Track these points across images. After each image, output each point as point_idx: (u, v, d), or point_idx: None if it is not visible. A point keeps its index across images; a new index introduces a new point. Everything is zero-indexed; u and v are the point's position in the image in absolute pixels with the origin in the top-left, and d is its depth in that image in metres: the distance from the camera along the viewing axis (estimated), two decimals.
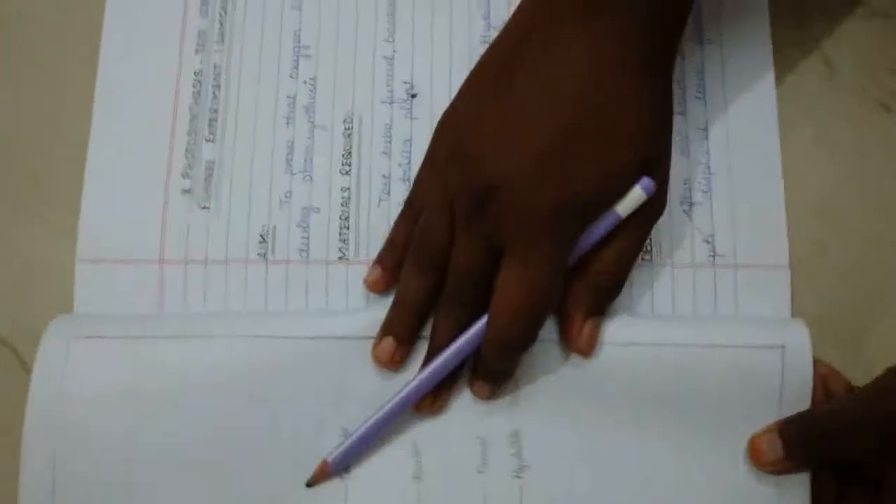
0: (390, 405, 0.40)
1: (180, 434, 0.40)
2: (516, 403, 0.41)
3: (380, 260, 0.43)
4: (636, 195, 0.39)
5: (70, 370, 0.40)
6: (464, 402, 0.41)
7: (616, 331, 0.41)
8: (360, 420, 0.40)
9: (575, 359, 0.41)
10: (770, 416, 0.40)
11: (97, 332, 0.41)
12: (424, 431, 0.41)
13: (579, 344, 0.40)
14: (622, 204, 0.39)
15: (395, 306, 0.41)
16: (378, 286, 0.43)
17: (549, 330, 0.41)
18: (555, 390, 0.41)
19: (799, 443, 0.39)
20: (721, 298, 0.43)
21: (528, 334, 0.39)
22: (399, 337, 0.40)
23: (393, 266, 0.42)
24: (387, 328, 0.41)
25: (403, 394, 0.40)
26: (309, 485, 0.40)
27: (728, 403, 0.40)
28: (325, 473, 0.40)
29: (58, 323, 0.41)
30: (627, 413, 0.41)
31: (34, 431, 0.39)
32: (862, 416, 0.38)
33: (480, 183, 0.39)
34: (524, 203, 0.38)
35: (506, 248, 0.39)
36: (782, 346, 0.40)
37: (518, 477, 0.41)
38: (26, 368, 0.42)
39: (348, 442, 0.40)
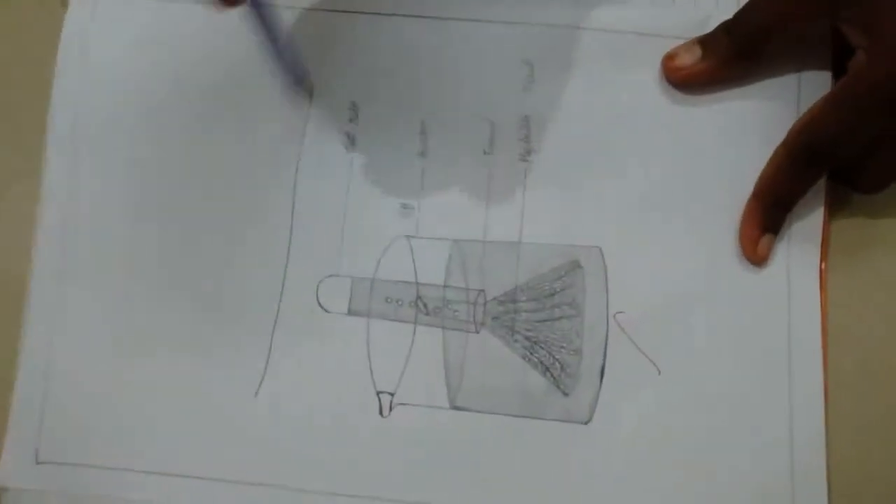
0: None
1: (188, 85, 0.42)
2: (529, 89, 0.40)
3: None
4: None
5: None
6: (474, 84, 0.41)
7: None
8: None
9: (592, 46, 0.41)
10: None
11: None
12: (433, 110, 0.41)
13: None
14: None
15: None
16: None
17: (564, 15, 0.41)
18: (569, 78, 0.40)
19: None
20: None
21: None
22: None
23: None
24: None
25: None
26: None
27: None
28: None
29: None
30: (642, 105, 0.40)
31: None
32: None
33: None
34: None
35: None
36: None
37: (524, 160, 0.40)
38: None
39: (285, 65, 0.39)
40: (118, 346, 0.40)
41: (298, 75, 0.40)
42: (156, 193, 0.41)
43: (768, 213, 0.38)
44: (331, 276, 0.40)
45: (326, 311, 0.40)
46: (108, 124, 0.42)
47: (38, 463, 0.40)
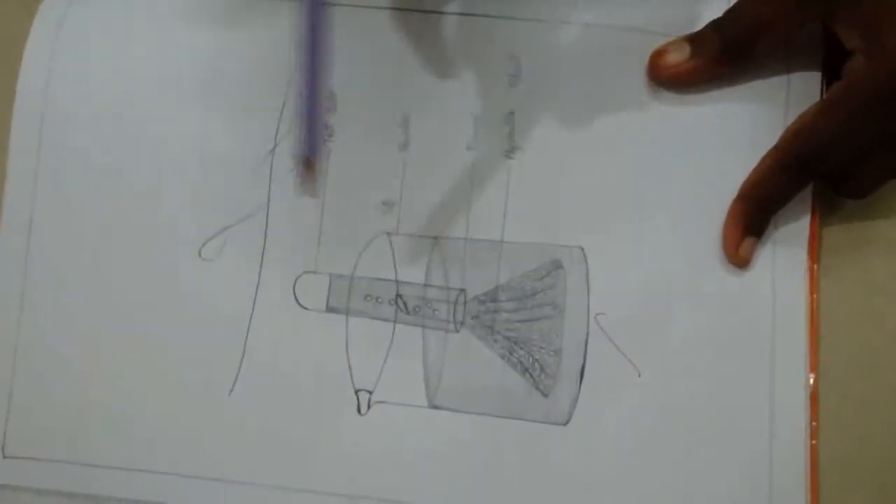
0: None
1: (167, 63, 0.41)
2: (515, 84, 0.39)
3: None
4: None
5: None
6: (458, 78, 0.40)
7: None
8: None
9: (579, 42, 0.40)
10: None
11: None
12: (415, 103, 0.40)
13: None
14: None
15: None
16: None
17: (552, 10, 0.39)
18: (555, 74, 0.39)
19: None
20: None
21: None
22: None
23: None
24: None
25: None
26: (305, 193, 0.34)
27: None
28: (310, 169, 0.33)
29: None
30: (628, 103, 0.39)
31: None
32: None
33: None
34: None
35: None
36: None
37: (508, 157, 0.39)
38: None
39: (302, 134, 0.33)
40: (88, 341, 0.39)
41: (307, 150, 0.33)
42: (126, 188, 0.40)
43: (753, 216, 0.38)
44: (308, 272, 0.39)
45: (304, 307, 0.39)
46: (75, 123, 0.41)
47: (4, 457, 0.39)
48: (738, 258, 0.38)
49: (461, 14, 0.40)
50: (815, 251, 0.39)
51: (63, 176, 0.40)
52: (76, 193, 0.40)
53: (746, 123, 0.39)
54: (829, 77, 0.39)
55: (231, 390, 0.38)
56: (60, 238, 0.40)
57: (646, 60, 0.39)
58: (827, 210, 0.39)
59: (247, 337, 0.39)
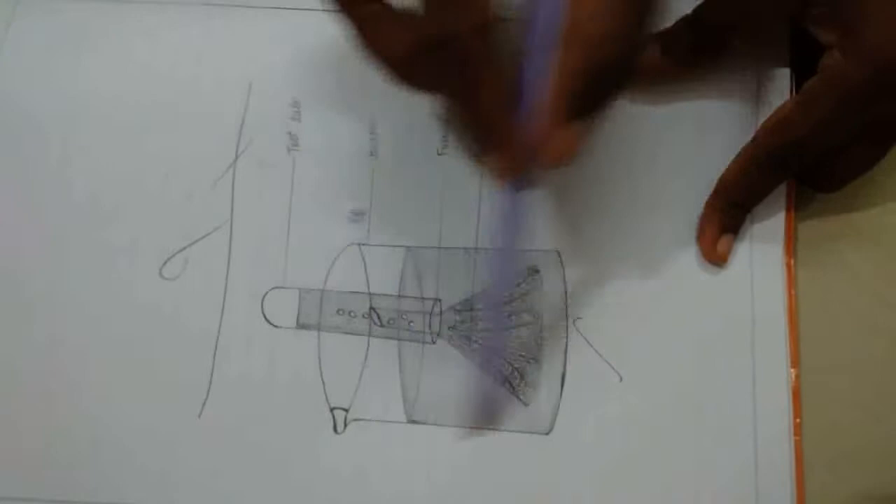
0: None
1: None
2: None
3: None
4: None
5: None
6: None
7: None
8: None
9: None
10: None
11: None
12: (383, 109, 0.38)
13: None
14: None
15: None
16: None
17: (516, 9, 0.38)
18: None
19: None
20: None
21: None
22: None
23: None
24: None
25: None
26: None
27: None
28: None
29: None
30: None
31: None
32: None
33: None
34: None
35: None
36: None
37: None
38: None
39: None
40: (47, 367, 0.37)
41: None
42: (82, 205, 0.38)
43: (729, 212, 0.38)
44: (276, 287, 0.38)
45: (273, 325, 0.37)
46: (27, 136, 0.39)
47: None
48: (715, 256, 0.38)
49: None
50: (791, 246, 0.38)
51: (13, 192, 0.38)
52: (29, 211, 0.38)
53: (718, 120, 0.39)
54: (798, 73, 0.38)
55: (200, 414, 0.37)
56: (12, 260, 0.38)
57: None
58: (802, 204, 0.39)
59: (214, 358, 0.37)
